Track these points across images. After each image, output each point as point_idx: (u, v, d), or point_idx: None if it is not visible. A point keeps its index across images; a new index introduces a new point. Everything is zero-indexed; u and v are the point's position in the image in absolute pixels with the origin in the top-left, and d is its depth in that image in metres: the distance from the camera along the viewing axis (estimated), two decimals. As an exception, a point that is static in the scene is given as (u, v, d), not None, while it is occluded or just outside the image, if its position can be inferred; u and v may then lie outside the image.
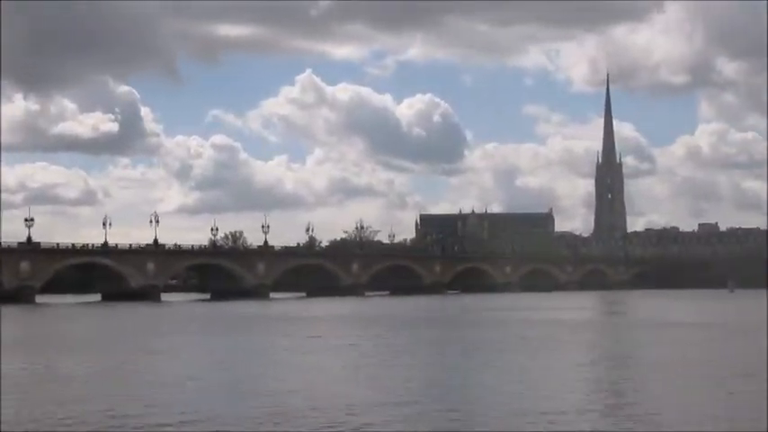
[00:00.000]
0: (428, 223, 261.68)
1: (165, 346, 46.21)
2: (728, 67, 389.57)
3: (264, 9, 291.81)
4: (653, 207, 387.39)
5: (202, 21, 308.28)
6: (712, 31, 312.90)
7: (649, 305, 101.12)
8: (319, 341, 48.32)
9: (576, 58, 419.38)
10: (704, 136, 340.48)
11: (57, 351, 42.29)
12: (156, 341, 49.64)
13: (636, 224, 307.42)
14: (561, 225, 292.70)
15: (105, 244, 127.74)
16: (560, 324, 62.17)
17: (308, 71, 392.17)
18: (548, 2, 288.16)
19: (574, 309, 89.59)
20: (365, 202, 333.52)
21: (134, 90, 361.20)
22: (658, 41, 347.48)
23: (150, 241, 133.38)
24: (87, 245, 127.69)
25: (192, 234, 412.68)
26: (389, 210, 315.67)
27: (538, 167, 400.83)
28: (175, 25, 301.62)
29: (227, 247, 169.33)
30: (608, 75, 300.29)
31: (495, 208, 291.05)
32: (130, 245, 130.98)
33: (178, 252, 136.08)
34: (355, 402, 24.90)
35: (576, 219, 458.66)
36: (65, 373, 33.45)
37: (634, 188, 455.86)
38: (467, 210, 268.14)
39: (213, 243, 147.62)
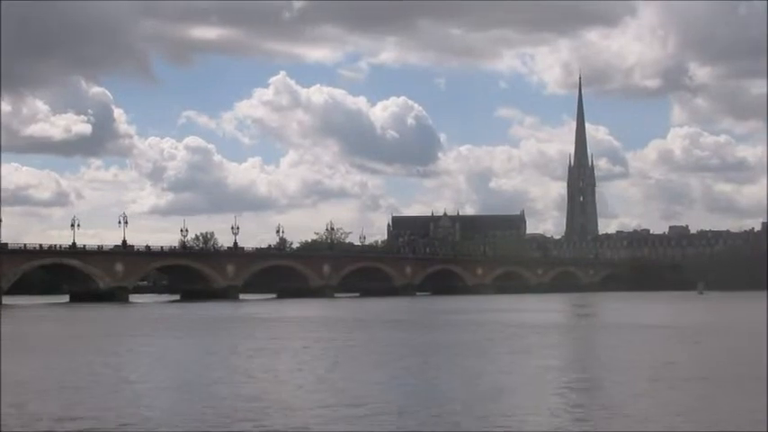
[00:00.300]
0: (400, 225, 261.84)
1: (121, 348, 45.82)
2: (700, 72, 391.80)
3: (238, 11, 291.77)
4: (626, 210, 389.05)
5: (176, 22, 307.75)
6: (685, 35, 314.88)
7: (617, 307, 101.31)
8: (276, 343, 48.07)
9: (549, 61, 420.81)
10: (676, 140, 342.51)
11: (10, 353, 41.82)
12: (113, 343, 49.26)
13: (609, 226, 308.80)
14: (535, 227, 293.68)
15: (74, 245, 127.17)
16: (524, 326, 62.16)
17: (282, 73, 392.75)
18: (521, 6, 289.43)
19: (540, 311, 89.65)
20: (339, 204, 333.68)
21: (107, 91, 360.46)
22: (631, 46, 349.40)
23: (120, 242, 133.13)
24: (55, 246, 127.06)
25: (164, 235, 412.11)
26: (363, 212, 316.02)
27: (511, 170, 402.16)
28: (149, 27, 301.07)
29: (197, 248, 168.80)
30: (580, 78, 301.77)
31: (469, 210, 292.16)
32: (99, 246, 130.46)
33: (147, 253, 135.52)
34: (298, 405, 24.76)
35: (548, 221, 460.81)
36: (11, 375, 33.02)
37: (607, 191, 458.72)
38: (441, 212, 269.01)
39: (183, 244, 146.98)
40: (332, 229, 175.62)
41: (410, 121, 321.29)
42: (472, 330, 57.71)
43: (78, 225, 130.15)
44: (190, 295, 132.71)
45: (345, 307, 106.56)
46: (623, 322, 68.84)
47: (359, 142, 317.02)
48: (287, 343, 47.98)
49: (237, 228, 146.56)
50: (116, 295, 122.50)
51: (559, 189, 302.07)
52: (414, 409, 23.90)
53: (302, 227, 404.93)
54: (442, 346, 45.52)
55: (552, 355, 39.61)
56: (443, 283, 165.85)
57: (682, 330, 57.46)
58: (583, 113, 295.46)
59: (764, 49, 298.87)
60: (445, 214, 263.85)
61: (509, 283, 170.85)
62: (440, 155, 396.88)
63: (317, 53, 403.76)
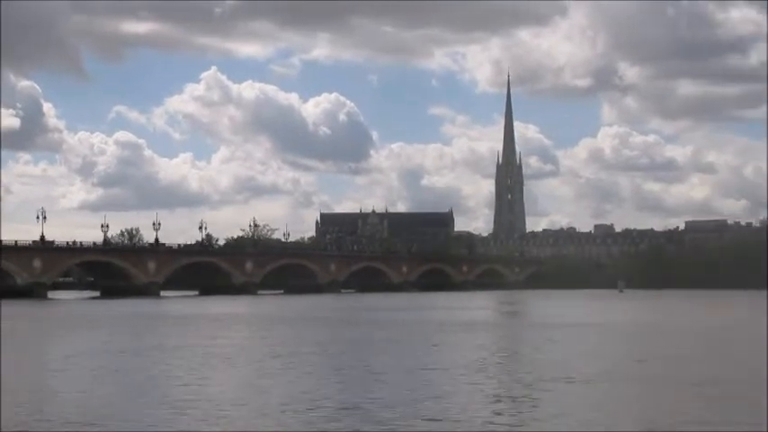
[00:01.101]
0: (329, 222, 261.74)
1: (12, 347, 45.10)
2: (630, 72, 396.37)
3: (169, 6, 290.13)
4: (556, 208, 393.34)
5: (106, 17, 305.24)
6: (614, 36, 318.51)
7: (538, 305, 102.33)
8: (171, 340, 47.67)
9: (480, 60, 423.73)
10: (606, 139, 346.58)
11: None
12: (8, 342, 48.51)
13: (540, 224, 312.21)
14: (466, 225, 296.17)
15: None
16: (430, 323, 62.36)
17: (214, 69, 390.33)
18: (453, 5, 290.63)
19: (457, 308, 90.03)
20: (272, 200, 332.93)
21: (36, 85, 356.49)
22: (562, 46, 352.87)
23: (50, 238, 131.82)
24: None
25: (92, 231, 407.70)
26: (296, 209, 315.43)
27: (443, 168, 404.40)
28: (79, 21, 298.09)
29: (121, 244, 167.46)
30: (509, 77, 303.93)
31: (401, 207, 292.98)
32: (15, 241, 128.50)
33: (66, 249, 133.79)
34: (171, 401, 24.57)
35: (480, 219, 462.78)
36: None
37: (538, 189, 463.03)
38: (372, 209, 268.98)
39: (105, 240, 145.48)
40: (256, 225, 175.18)
41: (342, 117, 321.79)
42: (375, 328, 57.81)
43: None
44: (110, 292, 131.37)
45: (264, 304, 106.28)
46: (545, 320, 69.34)
47: (291, 139, 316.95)
48: (181, 340, 47.56)
49: (159, 224, 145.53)
50: (34, 291, 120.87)
51: (490, 187, 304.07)
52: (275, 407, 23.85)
53: (234, 223, 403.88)
54: (346, 342, 45.52)
55: (451, 353, 39.66)
56: (369, 281, 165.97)
57: (588, 328, 57.99)
58: (511, 112, 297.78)
59: (692, 49, 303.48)
60: (374, 212, 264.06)
61: (433, 281, 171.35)
62: (372, 152, 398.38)
63: (248, 49, 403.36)
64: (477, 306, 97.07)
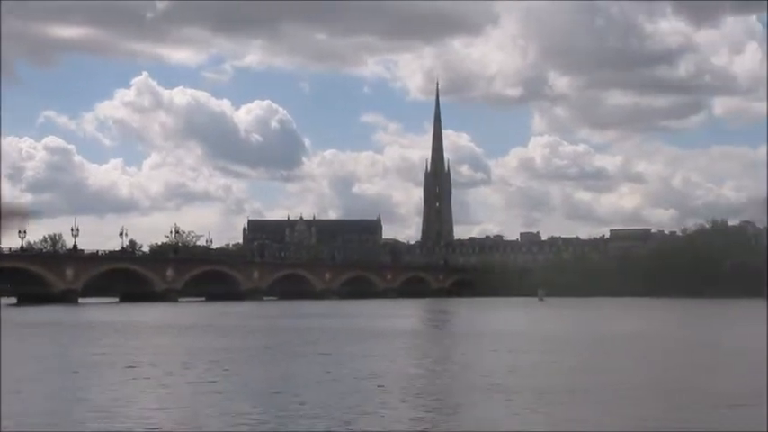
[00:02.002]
0: (256, 229, 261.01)
1: None
2: (560, 82, 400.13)
3: (99, 10, 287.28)
4: (488, 216, 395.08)
5: (34, 21, 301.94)
6: (544, 45, 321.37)
7: (460, 313, 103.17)
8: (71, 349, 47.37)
9: (413, 69, 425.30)
10: (537, 148, 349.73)
11: None
12: None
13: (471, 232, 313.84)
14: (398, 233, 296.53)
15: None
16: (323, 331, 62.49)
17: (145, 74, 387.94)
18: (386, 13, 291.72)
19: (367, 316, 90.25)
20: (203, 207, 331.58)
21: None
22: (493, 55, 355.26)
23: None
24: None
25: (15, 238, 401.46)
26: (227, 216, 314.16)
27: (375, 175, 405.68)
28: (9, 25, 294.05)
29: (42, 250, 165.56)
30: (437, 85, 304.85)
31: (332, 215, 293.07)
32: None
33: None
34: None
35: (411, 227, 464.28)
36: None
37: (470, 197, 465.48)
38: (306, 216, 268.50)
39: (22, 246, 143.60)
40: (177, 231, 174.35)
41: (274, 125, 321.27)
42: (273, 335, 57.86)
43: None
44: (28, 299, 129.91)
45: (181, 311, 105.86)
46: (462, 328, 69.75)
47: (223, 145, 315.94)
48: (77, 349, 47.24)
49: (77, 229, 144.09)
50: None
51: (420, 195, 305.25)
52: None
53: (162, 230, 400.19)
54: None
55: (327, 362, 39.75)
56: (292, 288, 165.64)
57: (495, 337, 58.48)
58: (440, 120, 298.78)
59: (622, 60, 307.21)
60: (301, 219, 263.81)
61: (357, 289, 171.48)
62: (304, 159, 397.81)
63: (180, 54, 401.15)
64: (387, 314, 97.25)
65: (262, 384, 30.42)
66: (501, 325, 74.93)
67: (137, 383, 31.27)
